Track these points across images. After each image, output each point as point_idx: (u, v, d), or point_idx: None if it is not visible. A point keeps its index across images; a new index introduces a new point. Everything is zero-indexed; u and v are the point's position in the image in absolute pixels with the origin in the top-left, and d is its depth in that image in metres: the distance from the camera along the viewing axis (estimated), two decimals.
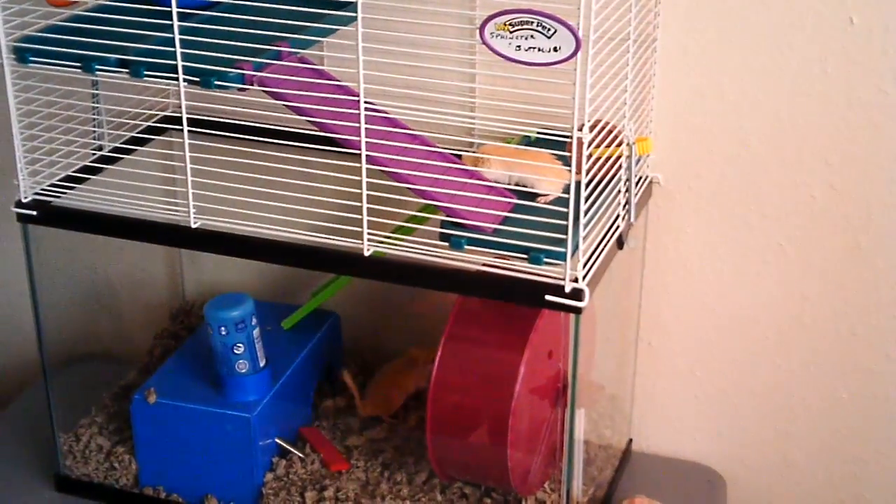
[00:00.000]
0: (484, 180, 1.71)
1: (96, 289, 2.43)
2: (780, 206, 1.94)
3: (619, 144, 1.72)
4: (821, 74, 1.84)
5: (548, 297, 1.63)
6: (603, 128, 1.65)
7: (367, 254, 1.70)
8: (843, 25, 1.80)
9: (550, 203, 1.66)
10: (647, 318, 2.09)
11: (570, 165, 1.56)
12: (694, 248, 2.01)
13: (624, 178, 1.77)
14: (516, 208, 1.68)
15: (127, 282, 2.42)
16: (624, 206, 1.79)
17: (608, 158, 1.69)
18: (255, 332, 1.95)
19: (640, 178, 1.89)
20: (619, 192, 1.77)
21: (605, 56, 1.60)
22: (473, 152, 1.75)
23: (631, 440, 2.17)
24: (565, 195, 1.60)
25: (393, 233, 1.74)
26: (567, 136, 1.55)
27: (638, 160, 1.79)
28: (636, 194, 1.81)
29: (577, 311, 1.63)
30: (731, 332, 2.06)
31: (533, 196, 1.69)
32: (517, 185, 1.71)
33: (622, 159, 1.74)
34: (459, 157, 1.75)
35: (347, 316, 2.19)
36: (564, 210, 1.57)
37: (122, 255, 2.37)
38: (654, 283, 2.06)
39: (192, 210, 1.78)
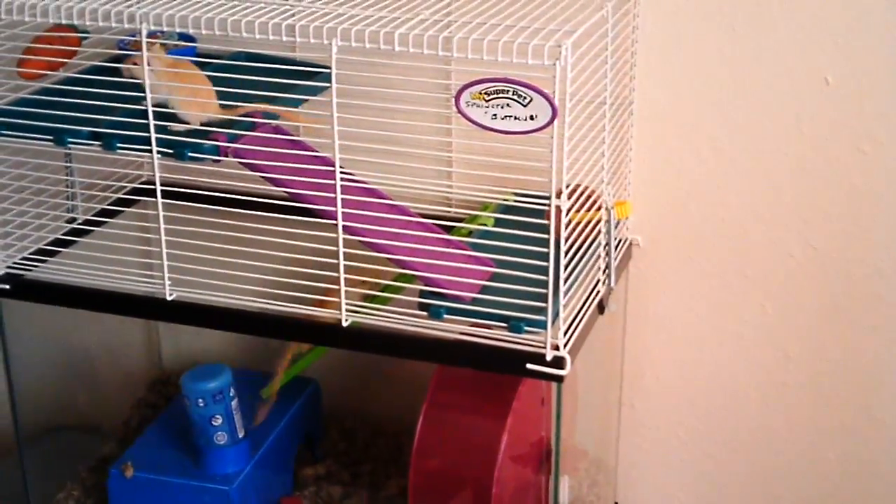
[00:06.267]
0: (464, 249, 1.69)
1: (72, 358, 2.39)
2: (759, 266, 1.93)
3: (598, 209, 1.71)
4: (797, 134, 1.84)
5: (529, 366, 1.61)
6: (581, 192, 1.64)
7: (345, 324, 1.68)
8: (819, 85, 1.80)
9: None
10: (629, 381, 2.07)
11: None
12: (675, 310, 2.00)
13: (603, 242, 1.75)
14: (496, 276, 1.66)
15: (103, 350, 2.39)
16: (604, 270, 1.78)
17: (587, 223, 1.68)
18: (234, 404, 1.93)
19: (620, 241, 1.88)
20: (599, 256, 1.75)
21: (581, 121, 1.59)
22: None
23: None
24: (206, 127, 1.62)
25: (370, 301, 1.72)
26: (546, 203, 1.53)
27: (617, 224, 1.78)
28: (616, 258, 1.80)
29: (559, 379, 1.61)
30: (714, 394, 2.04)
31: None
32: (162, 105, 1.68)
33: (601, 223, 1.73)
34: (440, 226, 1.74)
35: (327, 383, 2.17)
36: (544, 278, 1.55)
37: (99, 324, 2.34)
38: (635, 346, 2.04)
39: (168, 282, 1.76)
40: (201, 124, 1.69)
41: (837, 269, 1.90)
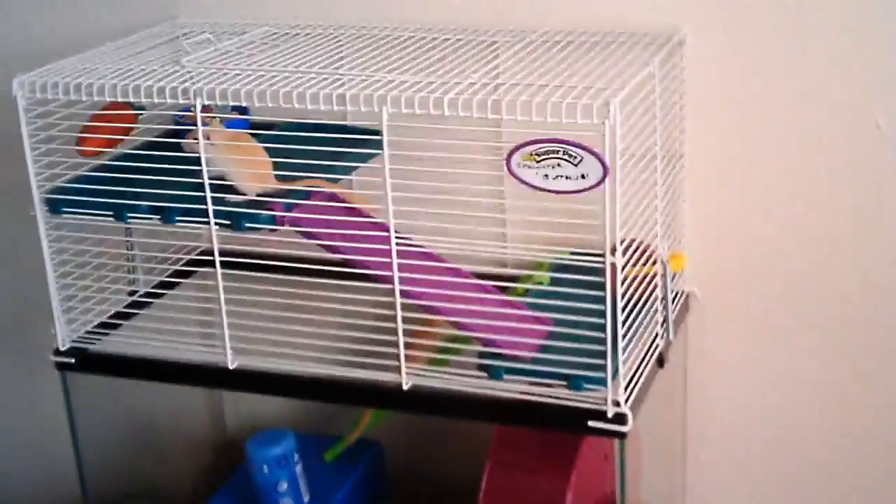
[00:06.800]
0: (521, 308, 1.69)
1: (137, 426, 2.42)
2: (817, 311, 1.92)
3: (654, 262, 1.71)
4: (850, 180, 1.83)
5: (591, 424, 1.60)
6: (636, 247, 1.64)
7: (405, 388, 1.69)
8: (870, 130, 1.79)
9: None
10: (693, 434, 2.05)
11: None
12: (735, 360, 1.99)
13: (660, 296, 1.75)
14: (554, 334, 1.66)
15: (167, 418, 2.41)
16: (662, 324, 1.77)
17: (643, 277, 1.68)
18: (298, 469, 1.94)
19: (676, 293, 1.87)
20: (657, 310, 1.75)
21: (633, 177, 1.59)
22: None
23: None
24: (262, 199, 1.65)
25: (429, 362, 1.73)
26: (601, 260, 1.54)
27: (673, 276, 1.77)
28: (673, 311, 1.79)
29: (622, 436, 1.60)
30: (780, 443, 2.02)
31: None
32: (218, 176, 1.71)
33: (657, 277, 1.73)
34: (495, 286, 1.74)
35: (390, 444, 2.17)
36: (602, 335, 1.55)
37: (162, 392, 2.36)
38: (697, 398, 2.02)
39: (230, 351, 1.77)
40: (258, 195, 1.71)
41: None
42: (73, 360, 1.87)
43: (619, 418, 1.60)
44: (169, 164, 1.72)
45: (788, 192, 1.87)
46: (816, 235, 1.88)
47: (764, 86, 1.83)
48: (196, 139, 1.68)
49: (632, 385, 1.63)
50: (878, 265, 1.87)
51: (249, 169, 1.71)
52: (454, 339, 1.76)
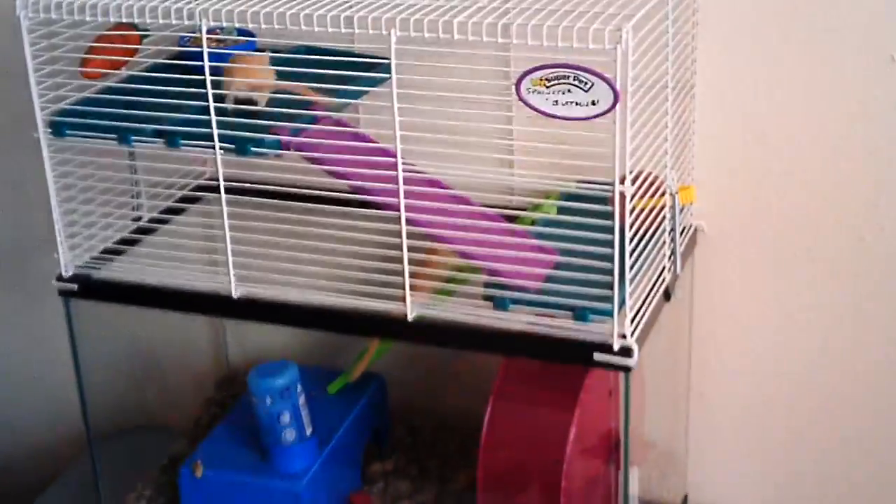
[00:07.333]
0: (528, 238, 1.68)
1: (140, 358, 2.42)
2: (828, 250, 1.91)
3: (662, 195, 1.69)
4: (863, 114, 1.81)
5: (596, 357, 1.59)
6: (645, 178, 1.62)
7: (410, 318, 1.68)
8: (884, 64, 1.77)
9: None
10: (697, 369, 2.05)
11: None
12: (742, 296, 1.98)
13: (668, 228, 1.73)
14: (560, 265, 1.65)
15: (171, 350, 2.41)
16: (669, 257, 1.76)
17: (651, 210, 1.66)
18: (301, 400, 1.93)
19: (685, 227, 1.86)
20: (664, 243, 1.74)
21: (643, 106, 1.57)
22: None
23: (686, 496, 2.13)
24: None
25: (434, 293, 1.72)
26: (609, 190, 1.52)
27: (681, 209, 1.76)
28: (681, 244, 1.78)
29: (627, 369, 1.59)
30: (784, 381, 2.01)
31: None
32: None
33: (665, 210, 1.71)
34: (503, 216, 1.73)
35: (393, 377, 2.17)
36: (609, 265, 1.54)
37: (165, 323, 2.36)
38: (702, 334, 2.02)
39: (234, 279, 1.76)
40: (254, 102, 1.69)
41: None
42: (75, 287, 1.86)
43: (625, 351, 1.59)
44: (174, 87, 1.70)
45: (800, 127, 1.85)
46: (829, 172, 1.86)
47: (777, 17, 1.80)
48: None
49: (638, 318, 1.62)
50: (892, 202, 1.85)
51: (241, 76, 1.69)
52: (460, 269, 1.75)
